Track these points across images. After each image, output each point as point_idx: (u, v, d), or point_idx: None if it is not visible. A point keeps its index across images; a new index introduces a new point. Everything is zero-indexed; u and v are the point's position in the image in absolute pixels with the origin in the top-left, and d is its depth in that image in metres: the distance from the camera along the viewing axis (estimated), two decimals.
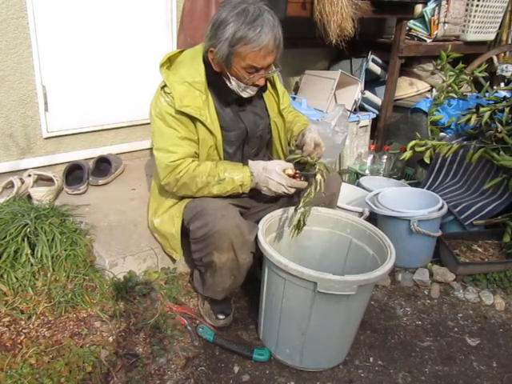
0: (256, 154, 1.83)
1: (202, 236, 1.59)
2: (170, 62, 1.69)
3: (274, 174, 1.59)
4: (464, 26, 3.25)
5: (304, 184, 1.61)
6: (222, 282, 1.67)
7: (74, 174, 2.36)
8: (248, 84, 1.60)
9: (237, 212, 1.61)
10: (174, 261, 1.93)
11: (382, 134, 3.20)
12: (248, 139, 1.75)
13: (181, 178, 1.62)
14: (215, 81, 1.64)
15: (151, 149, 2.80)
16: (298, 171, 1.62)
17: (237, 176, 1.61)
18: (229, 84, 1.61)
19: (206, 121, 1.61)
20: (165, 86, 1.60)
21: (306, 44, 2.87)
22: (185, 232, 1.73)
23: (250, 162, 1.65)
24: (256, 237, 1.56)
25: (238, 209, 1.67)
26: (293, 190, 1.61)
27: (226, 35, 1.48)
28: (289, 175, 1.59)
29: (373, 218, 2.24)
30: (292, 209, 1.68)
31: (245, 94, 1.64)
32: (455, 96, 2.84)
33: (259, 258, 1.65)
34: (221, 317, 1.75)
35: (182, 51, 1.72)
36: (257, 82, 1.59)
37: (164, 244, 1.87)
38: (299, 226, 1.60)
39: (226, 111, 1.68)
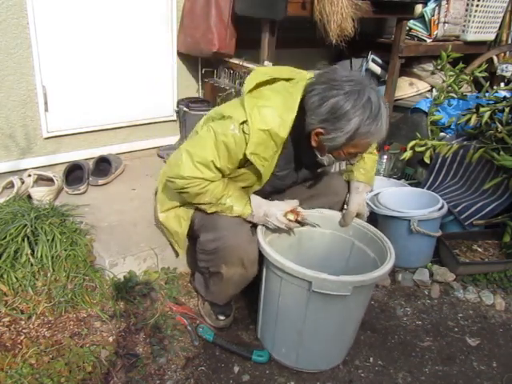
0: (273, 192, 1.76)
1: (212, 249, 1.58)
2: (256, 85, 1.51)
3: (274, 218, 1.57)
4: (464, 25, 3.24)
5: (301, 226, 1.65)
6: (226, 290, 1.67)
7: (74, 173, 2.36)
8: (341, 161, 1.58)
9: (249, 228, 1.60)
10: (176, 254, 1.91)
11: None
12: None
13: (188, 189, 1.55)
14: (299, 142, 1.54)
15: (151, 149, 2.81)
16: (300, 218, 1.60)
17: (237, 207, 1.57)
18: (319, 156, 1.52)
19: (263, 171, 1.53)
20: (245, 122, 1.45)
21: (305, 44, 2.87)
22: (191, 235, 1.73)
23: (252, 200, 1.60)
24: None
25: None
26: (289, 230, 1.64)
27: (348, 129, 1.38)
28: (289, 220, 1.59)
29: (373, 218, 2.24)
30: None
31: (326, 164, 1.56)
32: (455, 96, 2.84)
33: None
34: (221, 317, 1.75)
35: (274, 79, 1.53)
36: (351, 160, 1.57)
37: (168, 236, 1.86)
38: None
39: (288, 165, 1.63)
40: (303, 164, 1.66)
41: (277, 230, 1.62)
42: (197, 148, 1.53)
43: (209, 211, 1.59)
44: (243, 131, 1.46)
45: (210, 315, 1.77)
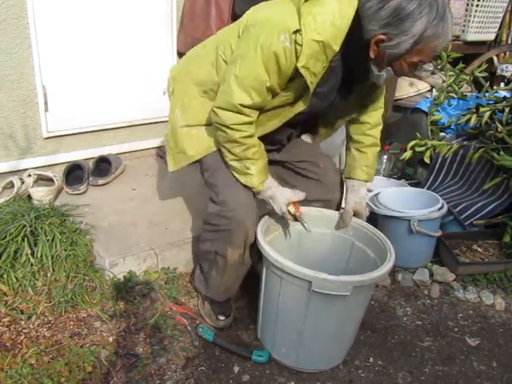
0: (307, 119, 1.66)
1: (218, 225, 1.56)
2: None
3: (276, 204, 1.56)
4: (464, 25, 3.25)
5: (292, 221, 1.63)
6: (226, 279, 1.67)
7: (74, 173, 2.36)
8: (398, 76, 1.46)
9: (256, 210, 1.58)
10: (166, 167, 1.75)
11: (382, 134, 3.19)
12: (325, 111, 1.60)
13: (229, 130, 1.45)
14: (350, 55, 1.40)
15: (151, 149, 2.81)
16: (296, 215, 1.59)
17: (254, 179, 1.52)
18: (375, 72, 1.39)
19: (311, 88, 1.41)
20: (298, 31, 1.31)
21: None
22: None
23: (267, 182, 1.56)
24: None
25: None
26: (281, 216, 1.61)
27: (415, 31, 1.26)
28: (289, 211, 1.58)
29: (373, 218, 2.24)
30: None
31: (380, 82, 1.44)
32: (455, 96, 2.84)
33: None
34: (221, 318, 1.75)
35: None
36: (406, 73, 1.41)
37: (169, 145, 1.72)
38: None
39: (331, 83, 1.47)
40: (347, 83, 1.51)
41: (272, 213, 1.61)
42: (243, 69, 1.39)
43: (228, 161, 1.53)
44: (295, 42, 1.32)
45: (210, 315, 1.76)
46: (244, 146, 1.47)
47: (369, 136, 1.74)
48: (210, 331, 1.69)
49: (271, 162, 1.69)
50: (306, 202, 1.66)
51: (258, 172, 1.53)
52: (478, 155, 2.36)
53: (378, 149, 1.80)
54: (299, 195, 1.58)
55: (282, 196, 1.56)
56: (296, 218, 1.61)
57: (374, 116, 1.72)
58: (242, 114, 1.43)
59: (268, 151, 1.62)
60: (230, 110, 1.43)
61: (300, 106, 1.49)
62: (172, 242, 1.98)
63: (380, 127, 1.76)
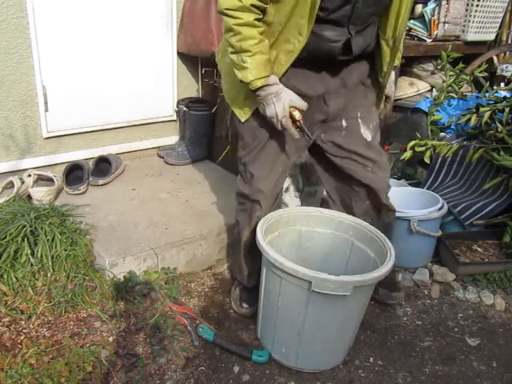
0: (365, 23, 1.45)
1: (245, 200, 1.69)
2: None
3: (280, 104, 1.43)
4: (464, 26, 3.24)
5: (294, 134, 1.48)
6: (247, 263, 1.78)
7: (74, 174, 2.36)
8: None
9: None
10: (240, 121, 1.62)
11: (382, 134, 3.19)
12: None
13: (225, 16, 1.36)
14: None
15: (151, 149, 2.81)
16: (300, 122, 1.46)
17: (250, 74, 1.39)
18: None
19: None
20: None
21: None
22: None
23: (272, 77, 1.42)
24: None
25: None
26: (279, 127, 1.47)
27: None
28: (290, 116, 1.45)
29: None
30: (292, 210, 1.71)
31: None
32: (455, 96, 2.84)
33: None
34: (245, 305, 1.82)
35: None
36: None
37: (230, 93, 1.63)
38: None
39: None
40: None
41: (269, 117, 1.47)
42: None
43: (229, 55, 1.44)
44: None
45: (236, 301, 1.85)
46: (239, 36, 1.36)
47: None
48: (210, 331, 1.69)
49: (311, 147, 1.67)
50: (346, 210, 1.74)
51: (255, 66, 1.39)
52: (478, 155, 2.36)
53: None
54: (303, 102, 1.47)
55: (287, 95, 1.44)
56: (298, 126, 1.47)
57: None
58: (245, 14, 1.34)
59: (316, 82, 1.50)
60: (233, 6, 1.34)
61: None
62: (172, 242, 1.98)
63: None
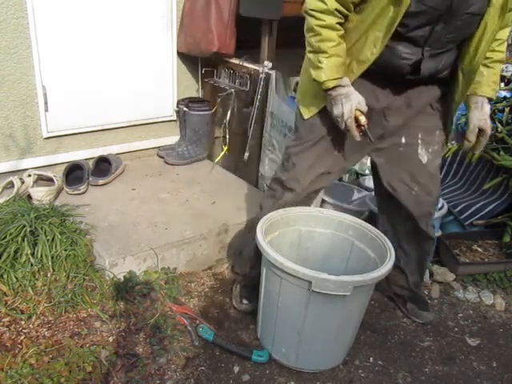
0: (443, 48, 1.45)
1: (279, 182, 1.69)
2: None
3: (348, 106, 1.45)
4: None
5: (355, 136, 1.49)
6: (249, 256, 1.80)
7: (74, 173, 2.36)
8: None
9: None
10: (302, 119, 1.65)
11: None
12: (448, 15, 1.35)
13: (309, 17, 1.41)
14: None
15: (151, 149, 2.81)
16: (365, 126, 1.47)
17: (324, 74, 1.42)
18: None
19: None
20: None
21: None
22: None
23: (345, 79, 1.45)
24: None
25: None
26: (342, 127, 1.49)
27: None
28: (356, 118, 1.47)
29: (373, 218, 2.24)
30: (292, 210, 1.70)
31: None
32: None
33: None
34: (245, 301, 1.85)
35: None
36: None
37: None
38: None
39: None
40: None
41: (335, 117, 1.49)
42: None
43: (307, 53, 1.49)
44: None
45: (236, 297, 1.88)
46: (319, 37, 1.41)
47: (498, 52, 1.57)
48: (210, 331, 1.69)
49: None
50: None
51: (330, 67, 1.42)
52: (478, 155, 2.36)
53: (502, 64, 1.69)
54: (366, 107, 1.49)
55: (356, 98, 1.46)
56: (362, 130, 1.48)
57: (505, 31, 1.55)
58: (321, 0, 1.38)
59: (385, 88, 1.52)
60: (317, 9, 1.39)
61: (405, 4, 1.30)
62: (172, 242, 1.98)
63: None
